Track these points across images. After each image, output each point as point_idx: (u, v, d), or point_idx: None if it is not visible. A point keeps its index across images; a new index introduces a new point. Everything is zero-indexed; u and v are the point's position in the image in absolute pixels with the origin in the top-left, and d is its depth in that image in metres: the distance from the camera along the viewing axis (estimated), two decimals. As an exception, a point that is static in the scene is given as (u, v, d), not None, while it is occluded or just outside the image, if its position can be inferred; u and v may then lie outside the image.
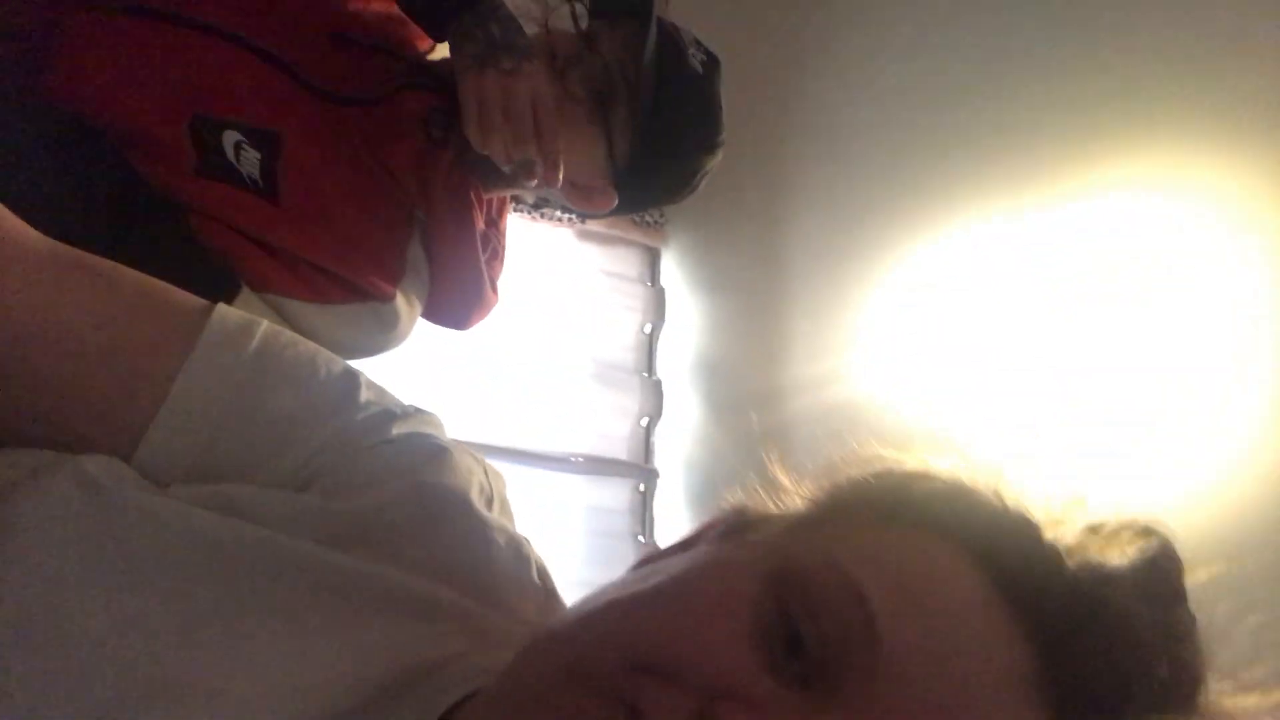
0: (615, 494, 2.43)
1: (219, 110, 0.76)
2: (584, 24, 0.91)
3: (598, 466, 2.40)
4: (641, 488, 2.46)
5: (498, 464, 2.32)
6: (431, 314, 0.96)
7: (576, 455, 2.36)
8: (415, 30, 0.90)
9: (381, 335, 0.86)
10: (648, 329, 2.58)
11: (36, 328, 0.41)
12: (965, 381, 1.73)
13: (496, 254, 1.00)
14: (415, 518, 0.46)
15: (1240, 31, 1.40)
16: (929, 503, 0.39)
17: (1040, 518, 0.39)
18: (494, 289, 0.99)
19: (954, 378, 1.76)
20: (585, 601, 0.39)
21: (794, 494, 0.45)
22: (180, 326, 0.44)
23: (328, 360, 0.50)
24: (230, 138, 0.76)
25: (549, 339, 2.42)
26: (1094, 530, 0.39)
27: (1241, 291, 1.32)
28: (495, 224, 1.00)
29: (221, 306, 0.46)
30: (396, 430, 0.49)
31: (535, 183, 0.83)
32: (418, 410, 0.52)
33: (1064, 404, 1.54)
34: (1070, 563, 0.37)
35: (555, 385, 2.40)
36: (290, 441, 0.45)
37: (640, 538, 2.41)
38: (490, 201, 0.97)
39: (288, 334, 0.49)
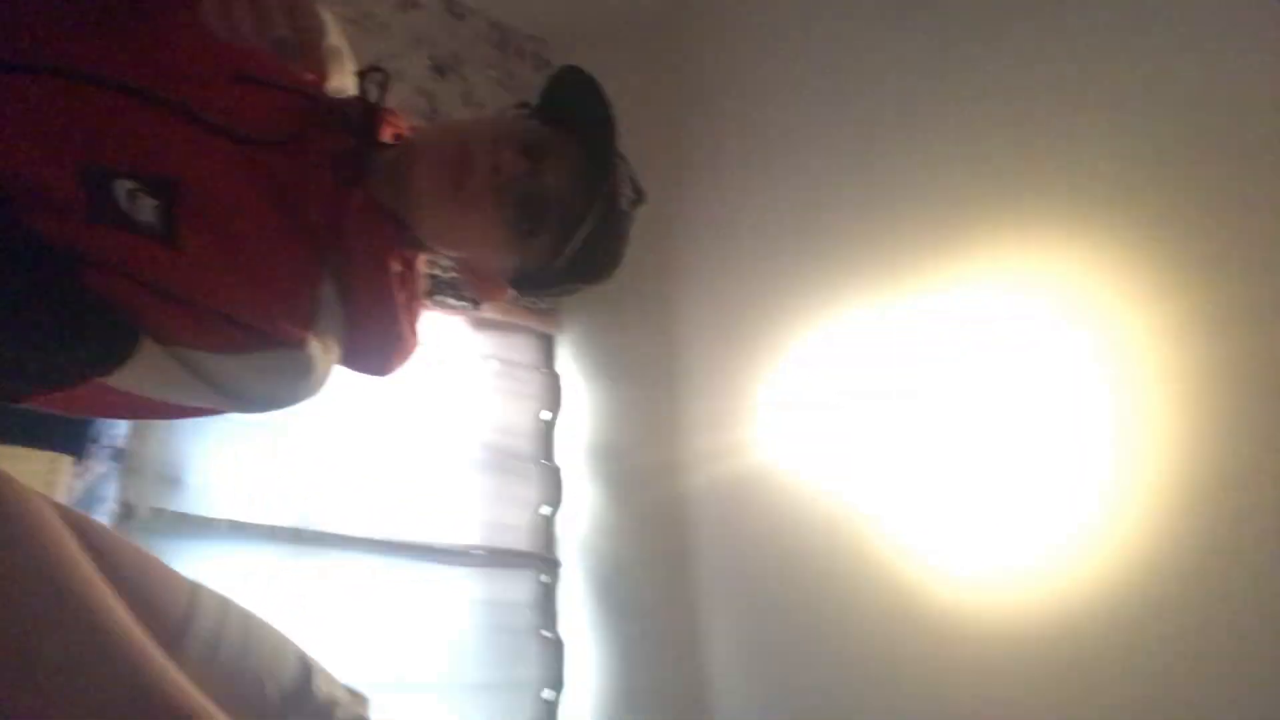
0: (517, 587, 2.36)
1: (109, 159, 0.73)
2: (536, 136, 0.90)
3: (498, 559, 2.33)
4: (544, 579, 2.40)
5: (393, 560, 2.24)
6: (350, 361, 0.92)
7: (476, 548, 2.29)
8: (321, 67, 0.88)
9: (298, 383, 0.81)
10: (544, 415, 2.56)
11: None
12: (848, 446, 1.81)
13: (414, 295, 0.97)
14: None
15: (1081, 148, 1.55)
16: None
17: None
18: (413, 331, 0.96)
19: (838, 443, 1.83)
20: None
21: None
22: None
23: (292, 652, 0.57)
24: (122, 186, 0.72)
25: (444, 428, 2.37)
26: None
27: (1071, 365, 1.50)
28: (411, 265, 0.98)
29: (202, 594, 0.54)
30: None
31: (301, 65, 0.78)
32: (352, 695, 0.56)
33: (927, 459, 1.67)
34: None
35: (451, 476, 2.34)
36: None
37: (545, 632, 2.33)
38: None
39: (254, 620, 0.55)
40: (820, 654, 1.78)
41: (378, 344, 0.92)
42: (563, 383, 2.59)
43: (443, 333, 2.43)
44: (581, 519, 2.43)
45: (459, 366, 2.45)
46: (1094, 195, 1.52)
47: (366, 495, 2.15)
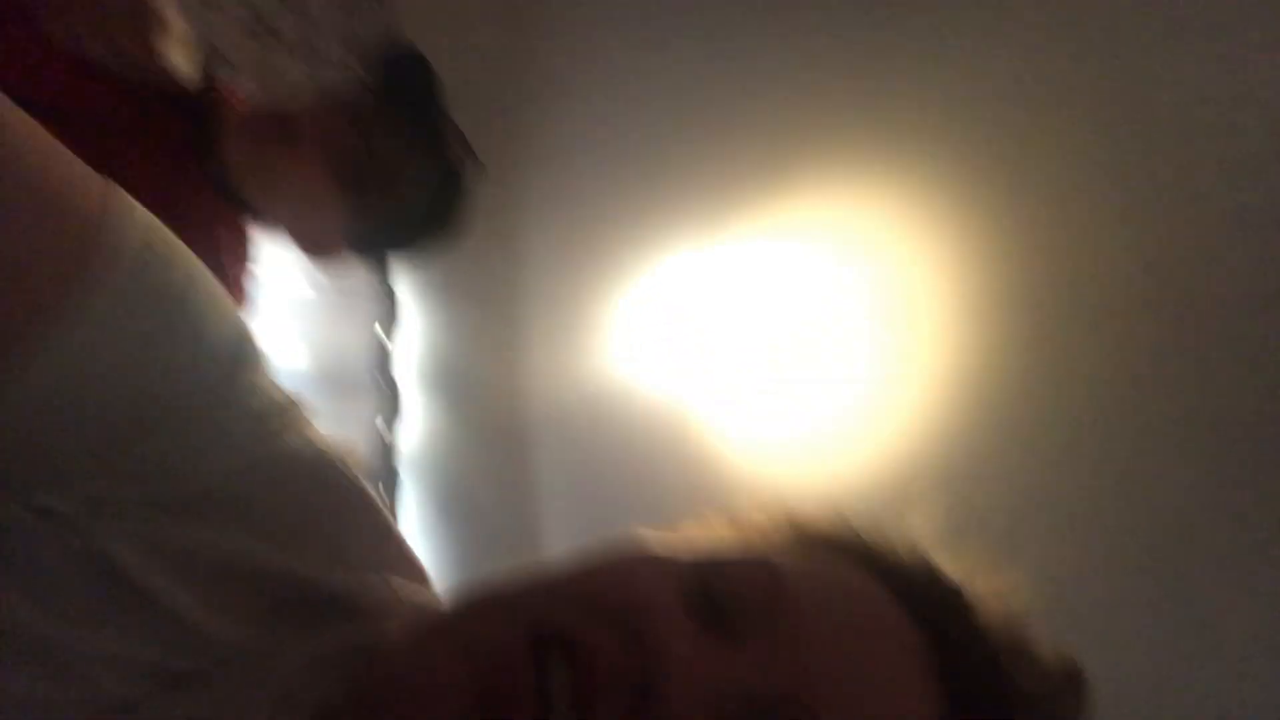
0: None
1: None
2: (363, 106, 0.94)
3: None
4: (384, 493, 2.45)
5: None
6: None
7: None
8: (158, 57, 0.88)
9: None
10: (380, 334, 2.57)
11: None
12: (675, 361, 1.96)
13: (242, 259, 1.02)
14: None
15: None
16: (848, 538, 0.45)
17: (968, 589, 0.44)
18: (241, 295, 1.01)
19: (667, 359, 1.97)
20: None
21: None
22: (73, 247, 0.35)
23: (218, 320, 0.42)
24: None
25: (274, 351, 2.32)
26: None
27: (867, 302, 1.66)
28: (240, 230, 1.02)
29: (120, 207, 0.37)
30: (272, 426, 0.45)
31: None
32: (292, 403, 0.48)
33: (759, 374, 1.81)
34: (978, 619, 0.43)
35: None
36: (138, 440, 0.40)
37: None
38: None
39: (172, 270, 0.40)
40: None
41: None
42: (399, 302, 2.59)
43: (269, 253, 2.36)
44: (421, 434, 2.50)
45: (287, 287, 2.40)
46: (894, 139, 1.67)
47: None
